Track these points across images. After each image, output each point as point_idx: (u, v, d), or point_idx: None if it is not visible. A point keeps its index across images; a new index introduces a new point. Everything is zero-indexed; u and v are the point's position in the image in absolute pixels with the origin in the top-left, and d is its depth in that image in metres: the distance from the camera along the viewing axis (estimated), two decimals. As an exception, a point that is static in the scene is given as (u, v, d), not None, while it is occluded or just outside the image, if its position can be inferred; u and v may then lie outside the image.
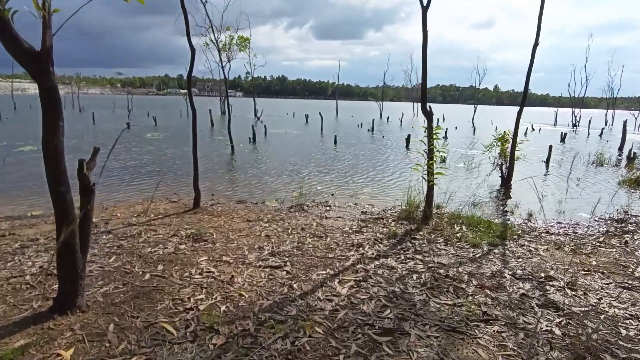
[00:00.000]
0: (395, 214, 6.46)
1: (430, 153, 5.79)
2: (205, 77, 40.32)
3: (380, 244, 4.91)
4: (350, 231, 5.43)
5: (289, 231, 5.32)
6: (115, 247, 4.34)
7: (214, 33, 14.02)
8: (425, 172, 5.84)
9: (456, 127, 31.41)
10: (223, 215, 6.08)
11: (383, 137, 22.95)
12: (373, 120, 30.16)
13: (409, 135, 18.17)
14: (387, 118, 42.52)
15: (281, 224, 5.68)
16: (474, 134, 26.94)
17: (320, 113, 28.07)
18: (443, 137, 22.11)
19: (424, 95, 5.86)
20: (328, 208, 6.95)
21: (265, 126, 23.71)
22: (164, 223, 5.48)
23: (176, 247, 4.43)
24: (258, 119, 34.09)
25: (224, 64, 15.07)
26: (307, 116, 38.05)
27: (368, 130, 27.13)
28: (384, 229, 5.59)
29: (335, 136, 19.38)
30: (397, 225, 5.77)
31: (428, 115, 5.76)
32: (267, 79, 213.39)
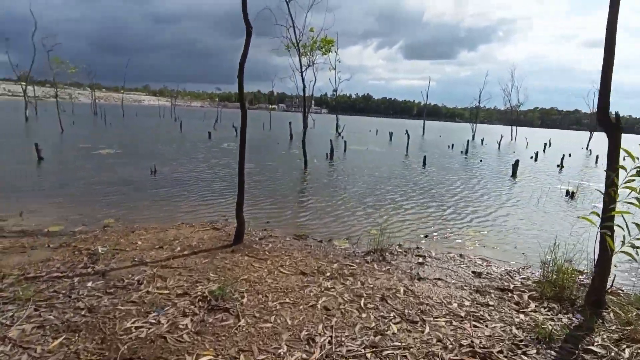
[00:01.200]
0: (531, 284, 4.09)
1: (611, 197, 3.32)
2: (294, 94, 40.57)
3: (524, 357, 2.67)
4: (463, 313, 3.27)
5: (362, 303, 3.34)
6: (85, 311, 2.78)
7: (295, 34, 12.86)
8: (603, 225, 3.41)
9: (570, 155, 26.31)
10: (271, 258, 4.32)
11: (481, 161, 19.70)
12: (468, 141, 26.79)
13: (516, 162, 14.93)
14: (482, 140, 38.13)
15: (350, 285, 3.73)
16: (595, 163, 22.12)
17: (407, 131, 25.58)
18: (558, 166, 18.27)
19: (605, 94, 3.46)
20: (421, 260, 4.80)
21: (345, 142, 22.06)
22: (186, 265, 3.88)
23: (173, 323, 2.71)
24: (339, 134, 32.71)
25: (304, 69, 13.77)
26: (391, 134, 35.68)
27: (461, 152, 23.89)
28: (521, 316, 3.31)
29: (425, 157, 16.88)
30: (543, 311, 3.43)
31: (612, 128, 3.38)
32: (352, 96, 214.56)
